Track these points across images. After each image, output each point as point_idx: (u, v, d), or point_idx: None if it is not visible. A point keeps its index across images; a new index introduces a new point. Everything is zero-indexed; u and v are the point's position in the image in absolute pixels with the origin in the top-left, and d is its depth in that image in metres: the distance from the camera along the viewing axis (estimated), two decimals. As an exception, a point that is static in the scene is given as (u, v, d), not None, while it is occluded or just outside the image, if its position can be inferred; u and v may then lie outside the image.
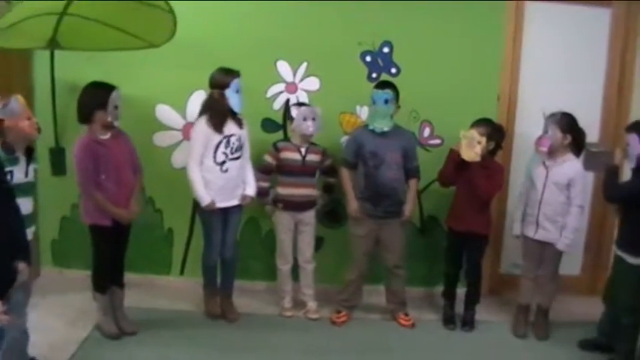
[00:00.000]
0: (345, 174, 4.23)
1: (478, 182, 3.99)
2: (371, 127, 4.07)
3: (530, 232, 4.09)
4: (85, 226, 3.80)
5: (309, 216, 4.32)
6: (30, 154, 3.17)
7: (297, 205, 4.24)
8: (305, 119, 4.13)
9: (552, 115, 3.95)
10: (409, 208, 4.22)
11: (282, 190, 4.23)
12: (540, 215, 4.01)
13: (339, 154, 4.37)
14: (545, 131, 3.96)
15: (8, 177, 2.91)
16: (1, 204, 2.67)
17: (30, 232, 3.16)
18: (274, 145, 4.23)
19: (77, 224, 4.44)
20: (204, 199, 3.96)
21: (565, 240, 3.98)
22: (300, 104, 4.26)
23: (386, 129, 4.04)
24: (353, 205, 4.19)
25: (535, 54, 4.64)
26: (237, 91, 3.93)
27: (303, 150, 4.20)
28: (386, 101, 4.02)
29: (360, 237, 4.22)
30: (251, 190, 4.12)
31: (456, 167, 4.07)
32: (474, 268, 4.25)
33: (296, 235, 4.34)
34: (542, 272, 4.13)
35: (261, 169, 4.22)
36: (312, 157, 4.24)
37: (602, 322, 3.96)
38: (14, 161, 3.05)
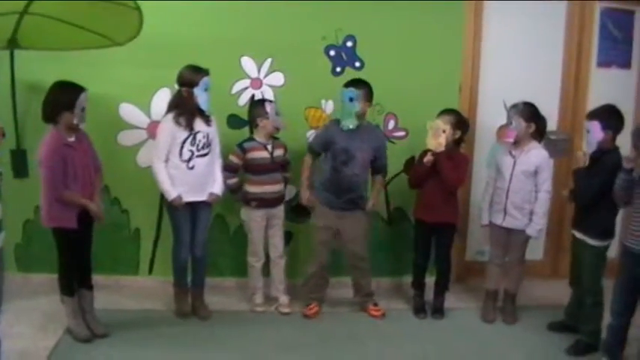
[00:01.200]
0: (307, 161, 4.27)
1: (446, 173, 4.06)
2: (340, 125, 4.10)
3: (498, 220, 4.17)
4: (49, 230, 3.74)
5: (280, 210, 4.35)
6: None
7: (270, 202, 4.25)
8: (277, 114, 4.16)
9: (514, 105, 4.04)
10: (372, 202, 4.26)
11: (254, 189, 4.21)
12: (508, 203, 4.10)
13: (304, 149, 4.39)
14: (510, 122, 4.04)
15: None
16: None
17: (0, 239, 3.10)
18: (240, 146, 4.19)
19: (40, 227, 4.34)
20: (171, 194, 3.94)
21: (536, 226, 4.09)
22: (265, 100, 4.25)
23: (351, 127, 4.05)
24: (305, 194, 4.26)
25: (495, 46, 4.75)
26: (206, 90, 3.91)
27: (269, 147, 4.20)
28: (350, 99, 4.03)
29: (320, 228, 4.25)
30: (217, 188, 4.10)
31: (428, 170, 4.12)
32: (443, 257, 4.33)
33: (267, 230, 4.34)
34: (509, 258, 4.24)
35: (228, 169, 4.20)
36: (279, 153, 4.25)
37: (570, 305, 4.09)
38: None
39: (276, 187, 4.26)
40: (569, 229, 4.03)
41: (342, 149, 4.10)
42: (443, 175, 4.07)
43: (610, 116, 3.66)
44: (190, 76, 3.88)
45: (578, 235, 3.84)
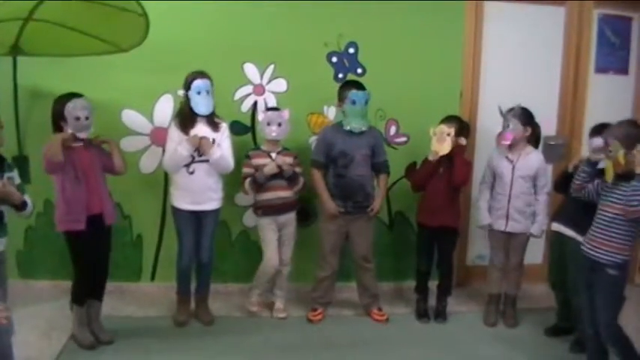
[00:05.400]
0: (316, 175, 4.22)
1: (459, 167, 4.13)
2: (348, 128, 4.09)
3: (501, 226, 4.20)
4: (58, 235, 3.73)
5: (291, 218, 4.31)
6: (0, 163, 3.09)
7: (277, 208, 4.21)
8: (269, 124, 4.13)
9: (511, 109, 4.09)
10: (378, 202, 4.25)
11: (260, 196, 4.21)
12: (510, 208, 4.14)
13: (307, 155, 4.40)
14: (507, 126, 4.08)
15: None
16: None
17: (2, 244, 3.10)
18: (246, 155, 4.21)
19: (42, 234, 4.37)
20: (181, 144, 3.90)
21: (542, 226, 4.16)
22: (268, 109, 4.27)
23: (364, 129, 4.09)
24: (330, 205, 4.17)
25: (495, 52, 4.79)
26: (199, 93, 3.89)
27: (273, 155, 4.19)
28: (366, 102, 4.08)
29: (331, 232, 4.26)
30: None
31: (431, 172, 4.19)
32: (446, 261, 4.37)
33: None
34: (510, 262, 4.27)
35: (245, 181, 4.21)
36: (284, 160, 4.21)
37: (559, 307, 4.15)
38: None
39: (282, 194, 4.21)
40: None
41: (340, 152, 4.12)
42: (456, 168, 4.13)
43: None
44: (186, 80, 3.91)
45: (569, 232, 3.81)
